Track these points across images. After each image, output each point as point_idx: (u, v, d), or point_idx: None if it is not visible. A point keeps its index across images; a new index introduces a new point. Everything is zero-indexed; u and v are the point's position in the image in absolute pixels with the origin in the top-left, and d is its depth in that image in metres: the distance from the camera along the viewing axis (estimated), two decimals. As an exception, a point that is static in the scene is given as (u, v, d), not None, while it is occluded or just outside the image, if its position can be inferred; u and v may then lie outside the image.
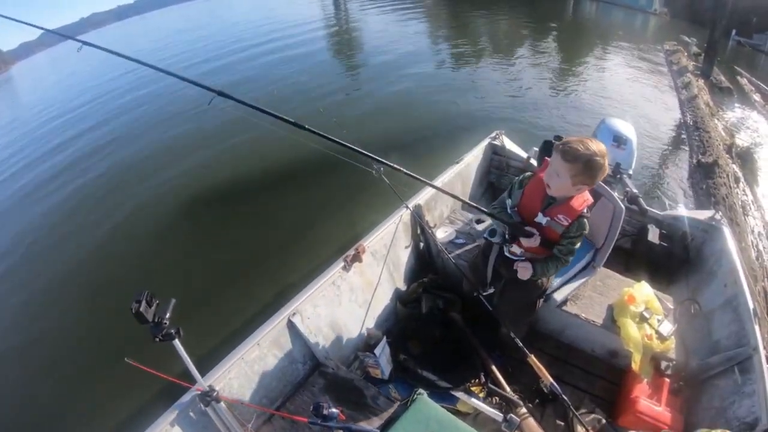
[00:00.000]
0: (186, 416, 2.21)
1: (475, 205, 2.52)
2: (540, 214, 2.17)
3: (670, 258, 3.60)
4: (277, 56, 14.87)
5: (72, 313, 5.41)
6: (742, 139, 6.92)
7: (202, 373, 2.18)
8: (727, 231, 3.33)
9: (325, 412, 2.24)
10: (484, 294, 2.71)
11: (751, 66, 10.26)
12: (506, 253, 2.45)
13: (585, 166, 1.91)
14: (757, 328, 2.60)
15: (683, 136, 7.13)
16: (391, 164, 2.35)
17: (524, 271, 2.30)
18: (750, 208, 5.24)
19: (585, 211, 2.11)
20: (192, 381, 2.06)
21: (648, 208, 3.61)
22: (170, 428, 2.14)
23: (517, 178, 2.37)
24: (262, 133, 8.02)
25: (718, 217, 3.45)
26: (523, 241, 2.22)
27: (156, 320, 1.74)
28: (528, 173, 2.34)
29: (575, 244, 2.19)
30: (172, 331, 1.79)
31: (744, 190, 5.55)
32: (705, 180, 5.60)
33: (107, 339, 4.59)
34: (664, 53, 11.07)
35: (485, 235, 2.42)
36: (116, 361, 1.93)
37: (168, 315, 1.78)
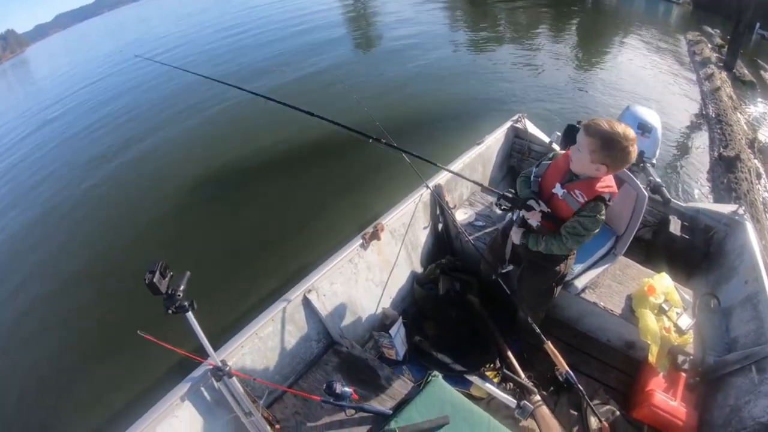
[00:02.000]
0: (197, 391, 2.18)
1: (490, 188, 2.51)
2: (558, 185, 2.12)
3: (690, 251, 3.52)
4: (298, 40, 14.62)
5: (87, 286, 5.45)
6: (764, 135, 6.75)
7: (215, 348, 2.14)
8: (750, 226, 3.25)
9: (338, 390, 2.21)
10: (503, 270, 2.67)
11: (775, 61, 9.99)
12: (515, 220, 2.41)
13: (604, 143, 1.87)
14: None
15: (704, 128, 6.97)
16: (410, 152, 2.43)
17: (516, 234, 2.33)
18: (772, 205, 5.13)
19: (606, 197, 2.04)
20: (204, 356, 2.02)
21: (671, 198, 3.55)
22: (180, 403, 2.12)
23: (548, 154, 2.33)
24: (283, 116, 8.01)
25: (741, 211, 3.37)
26: (526, 215, 2.20)
27: (169, 292, 1.70)
28: (560, 152, 2.28)
29: (585, 228, 2.07)
30: (186, 303, 1.74)
31: (766, 187, 5.43)
32: (726, 174, 5.48)
33: (121, 312, 4.64)
34: (686, 43, 10.81)
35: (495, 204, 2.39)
36: (129, 335, 1.89)
37: (182, 287, 1.74)
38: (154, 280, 1.62)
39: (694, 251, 3.52)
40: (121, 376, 3.92)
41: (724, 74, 8.55)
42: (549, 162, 2.26)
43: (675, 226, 3.53)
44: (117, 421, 2.19)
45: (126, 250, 5.76)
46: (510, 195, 2.26)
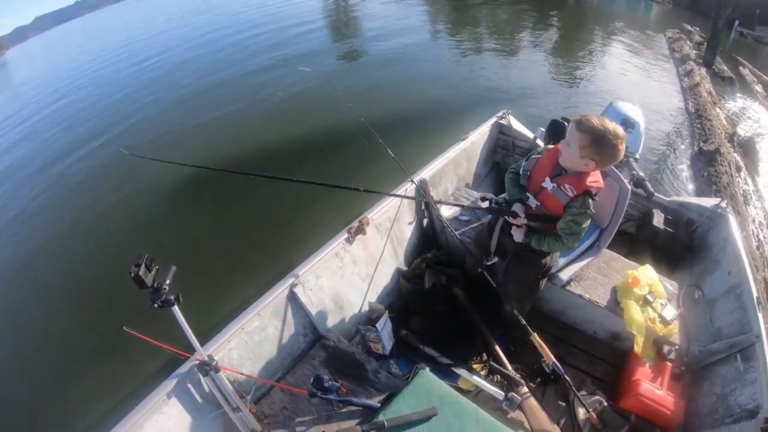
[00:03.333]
0: (184, 387, 2.15)
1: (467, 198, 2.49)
2: (548, 179, 2.15)
3: (674, 244, 3.58)
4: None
5: (71, 284, 5.35)
6: (743, 129, 6.87)
7: (202, 344, 2.10)
8: (732, 219, 3.31)
9: (325, 384, 2.20)
10: (488, 263, 2.68)
11: (753, 57, 10.18)
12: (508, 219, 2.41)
13: (594, 140, 1.90)
14: (760, 316, 2.59)
15: (685, 123, 7.09)
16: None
17: (517, 233, 2.33)
18: (751, 198, 5.22)
19: (594, 192, 2.08)
20: (191, 351, 2.00)
21: (654, 192, 3.59)
22: (167, 399, 2.08)
23: (537, 148, 2.37)
24: (266, 115, 7.94)
25: (723, 205, 3.44)
26: (511, 221, 2.27)
27: (155, 285, 1.67)
28: (549, 146, 2.30)
29: (579, 225, 2.12)
30: (172, 297, 1.72)
31: (745, 180, 5.53)
32: (706, 168, 5.58)
33: (106, 310, 4.55)
34: (666, 41, 10.99)
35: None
36: (115, 332, 1.86)
37: (168, 281, 1.71)
38: (140, 273, 1.59)
39: (677, 244, 3.57)
40: (107, 374, 3.85)
41: (703, 70, 8.70)
42: (538, 156, 2.29)
43: (658, 220, 3.58)
44: (103, 420, 2.15)
45: (111, 248, 5.67)
46: (494, 205, 2.32)
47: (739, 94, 8.21)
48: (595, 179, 2.08)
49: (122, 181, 7.34)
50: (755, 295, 2.73)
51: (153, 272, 1.67)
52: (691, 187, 5.54)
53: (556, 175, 2.14)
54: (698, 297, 3.11)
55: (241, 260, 4.93)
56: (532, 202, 2.23)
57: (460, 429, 2.09)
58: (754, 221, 4.83)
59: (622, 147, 1.94)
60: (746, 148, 6.27)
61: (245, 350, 2.43)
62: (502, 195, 2.41)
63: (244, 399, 2.13)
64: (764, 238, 4.61)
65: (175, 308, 1.75)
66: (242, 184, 6.28)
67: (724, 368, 2.61)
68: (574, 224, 2.12)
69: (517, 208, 2.24)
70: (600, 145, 1.91)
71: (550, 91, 8.40)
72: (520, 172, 2.33)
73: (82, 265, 5.62)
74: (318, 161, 6.51)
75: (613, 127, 1.90)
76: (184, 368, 2.15)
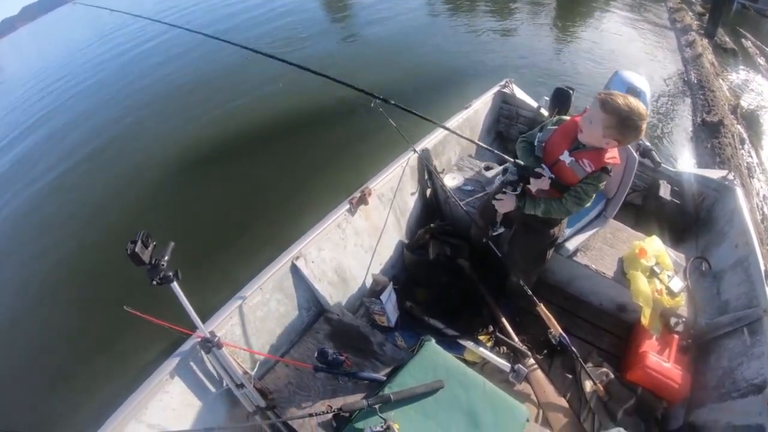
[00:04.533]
0: (186, 365, 2.10)
1: (485, 146, 2.45)
2: (566, 152, 2.11)
3: (680, 215, 3.53)
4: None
5: (67, 262, 5.27)
6: (747, 102, 6.76)
7: (203, 320, 2.04)
8: (739, 191, 3.26)
9: (330, 358, 2.15)
10: (494, 233, 2.61)
11: (755, 30, 9.99)
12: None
13: (619, 122, 1.88)
14: (767, 290, 2.55)
15: (687, 94, 6.96)
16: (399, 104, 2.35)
17: (506, 202, 2.26)
18: (755, 171, 5.15)
19: (610, 168, 2.06)
20: (192, 328, 1.93)
21: (661, 161, 3.53)
22: (170, 379, 2.04)
23: (552, 119, 2.31)
24: (266, 85, 7.73)
25: (731, 177, 3.38)
26: (532, 183, 2.17)
27: (153, 262, 1.62)
28: (565, 117, 2.25)
29: (588, 195, 2.11)
30: (170, 273, 1.67)
31: (749, 152, 5.44)
32: (710, 139, 5.49)
33: (106, 289, 4.46)
34: (667, 11, 10.75)
35: (503, 171, 2.34)
36: (116, 312, 1.81)
37: (166, 258, 1.66)
38: (136, 249, 1.55)
39: (683, 216, 3.53)
40: (110, 355, 3.81)
41: (705, 41, 8.52)
42: (554, 128, 2.22)
43: (665, 191, 3.52)
44: (107, 401, 2.10)
45: (108, 227, 5.58)
46: (520, 163, 2.21)
47: (741, 67, 8.04)
48: (613, 155, 2.06)
49: (116, 159, 7.21)
50: (763, 268, 2.68)
51: (150, 249, 1.63)
52: (693, 158, 5.45)
53: (574, 148, 2.09)
54: (705, 269, 3.07)
55: (241, 235, 4.84)
56: (547, 174, 2.17)
57: (467, 401, 2.05)
58: (758, 194, 4.77)
59: (644, 126, 1.92)
60: (750, 120, 6.17)
61: (248, 326, 2.37)
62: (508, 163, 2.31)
63: (247, 375, 2.08)
64: (769, 210, 4.56)
65: (175, 284, 1.70)
66: (242, 157, 6.17)
67: (731, 342, 2.58)
68: (582, 192, 2.10)
69: (540, 170, 2.16)
70: (625, 126, 1.89)
71: (551, 60, 8.21)
72: (535, 143, 2.26)
73: (78, 246, 5.52)
74: (321, 131, 6.39)
75: (637, 106, 1.87)
76: (186, 346, 2.10)
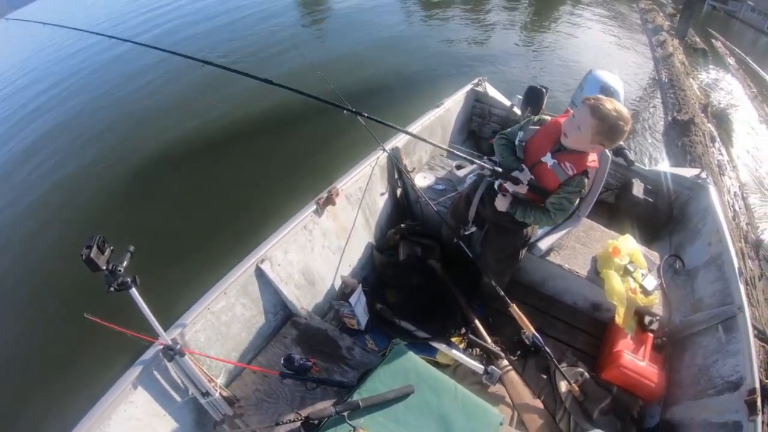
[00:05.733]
0: (149, 374, 1.99)
1: (460, 153, 2.43)
2: (549, 155, 2.07)
3: (653, 214, 3.54)
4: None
5: (23, 268, 5.04)
6: (717, 100, 6.91)
7: (166, 327, 1.98)
8: (712, 190, 3.29)
9: (297, 364, 2.08)
10: (465, 233, 2.60)
11: (725, 31, 10.26)
12: (495, 187, 2.31)
13: (610, 128, 1.87)
14: (741, 287, 2.57)
15: (657, 92, 7.08)
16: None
17: (501, 202, 2.23)
18: (726, 168, 5.23)
19: (590, 172, 2.06)
20: (155, 336, 1.85)
21: (634, 160, 3.54)
22: (133, 389, 1.93)
23: (532, 117, 2.28)
24: (230, 89, 7.54)
25: (704, 175, 3.41)
26: (509, 187, 2.15)
27: (110, 268, 1.57)
28: (545, 117, 2.23)
29: (571, 203, 2.10)
30: (128, 279, 1.62)
31: (720, 150, 5.54)
32: (681, 137, 5.56)
33: (65, 297, 4.27)
34: (639, 11, 10.96)
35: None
36: (77, 320, 1.75)
37: (125, 263, 1.62)
38: (92, 255, 1.50)
39: (657, 214, 3.54)
40: (71, 367, 3.64)
41: (676, 41, 8.69)
42: (536, 128, 2.19)
43: (638, 189, 3.54)
44: (68, 413, 2.01)
45: (64, 232, 5.33)
46: (499, 169, 2.16)
47: (711, 66, 8.23)
48: (593, 158, 2.05)
49: (72, 162, 6.89)
50: (737, 266, 2.71)
51: (107, 253, 1.59)
52: (665, 156, 5.53)
53: (555, 150, 2.07)
54: (678, 268, 3.09)
55: (205, 239, 4.68)
56: (525, 179, 2.14)
57: (438, 406, 2.00)
58: (729, 191, 4.85)
59: (629, 129, 1.93)
60: (720, 118, 6.30)
61: (212, 332, 2.27)
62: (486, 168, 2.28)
63: (213, 383, 2.00)
64: (739, 208, 4.63)
65: (133, 291, 1.66)
66: (204, 160, 5.97)
67: (705, 339, 2.59)
68: (566, 201, 2.08)
69: (520, 174, 2.13)
70: (613, 131, 1.88)
71: (524, 58, 8.28)
72: (516, 142, 2.22)
73: (31, 253, 5.27)
74: (286, 131, 6.26)
75: (624, 111, 1.87)
76: (148, 354, 2.00)
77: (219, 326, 2.30)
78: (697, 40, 9.15)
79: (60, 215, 5.71)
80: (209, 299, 2.25)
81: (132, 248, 1.68)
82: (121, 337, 1.73)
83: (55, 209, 5.87)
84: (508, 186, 2.15)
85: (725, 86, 7.54)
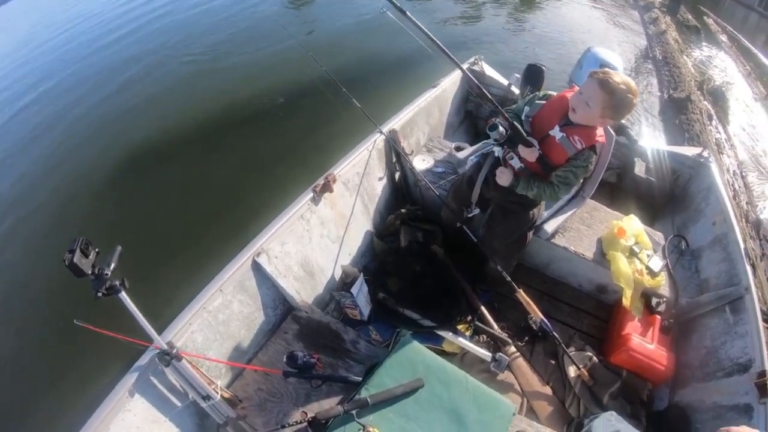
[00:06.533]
0: (146, 380, 1.88)
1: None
2: (557, 128, 2.01)
3: (655, 193, 3.52)
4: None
5: (5, 275, 4.71)
6: (712, 78, 6.84)
7: (161, 330, 1.87)
8: (714, 169, 3.26)
9: (300, 362, 1.99)
10: (468, 216, 2.51)
11: (715, 8, 10.16)
12: (501, 158, 2.25)
13: (619, 102, 1.84)
14: (748, 267, 2.55)
15: (652, 70, 6.98)
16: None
17: (504, 176, 2.15)
18: (724, 147, 5.18)
19: (598, 147, 2.02)
20: (150, 340, 1.73)
21: (637, 139, 3.48)
22: (130, 397, 1.81)
23: (537, 93, 2.22)
24: (220, 76, 7.30)
25: (705, 154, 3.37)
26: (521, 150, 2.07)
27: (96, 272, 1.47)
28: (551, 92, 2.17)
29: (577, 178, 2.06)
30: (117, 283, 1.52)
31: (717, 128, 5.48)
32: (678, 115, 5.50)
33: (53, 304, 4.00)
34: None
35: (488, 129, 2.16)
36: (67, 327, 1.62)
37: (113, 266, 1.52)
38: (75, 260, 1.40)
39: (659, 194, 3.52)
40: (63, 379, 3.44)
41: (668, 18, 8.59)
42: (542, 102, 2.13)
43: (640, 169, 3.49)
44: (62, 427, 1.88)
45: (47, 235, 4.98)
46: (509, 127, 2.05)
47: (704, 43, 8.15)
48: (601, 133, 2.01)
49: (54, 157, 6.42)
50: (743, 246, 2.68)
51: (92, 257, 1.49)
52: (663, 135, 5.45)
53: (563, 124, 2.02)
54: (683, 248, 3.04)
55: (197, 235, 4.46)
56: (536, 145, 2.07)
57: (449, 399, 1.93)
58: (728, 170, 4.79)
59: (636, 101, 1.92)
60: (715, 96, 6.23)
61: (210, 331, 2.15)
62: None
63: (213, 385, 1.89)
64: (739, 187, 4.57)
65: (123, 294, 1.56)
66: (190, 153, 5.67)
67: (713, 321, 2.56)
68: (572, 175, 2.04)
69: (530, 139, 2.06)
70: (623, 104, 1.86)
71: (515, 38, 8.09)
72: (522, 117, 2.15)
73: (12, 257, 4.90)
74: (281, 118, 6.02)
75: (632, 83, 1.85)
76: (144, 359, 1.88)
77: (216, 325, 2.18)
78: (690, 17, 9.04)
79: (40, 217, 5.35)
80: (205, 297, 2.13)
81: (120, 248, 1.58)
82: (114, 342, 1.62)
83: (34, 210, 5.48)
84: (521, 150, 2.07)
85: (719, 63, 7.47)
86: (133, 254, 1.63)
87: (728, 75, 7.10)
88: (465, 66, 3.99)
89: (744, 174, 4.87)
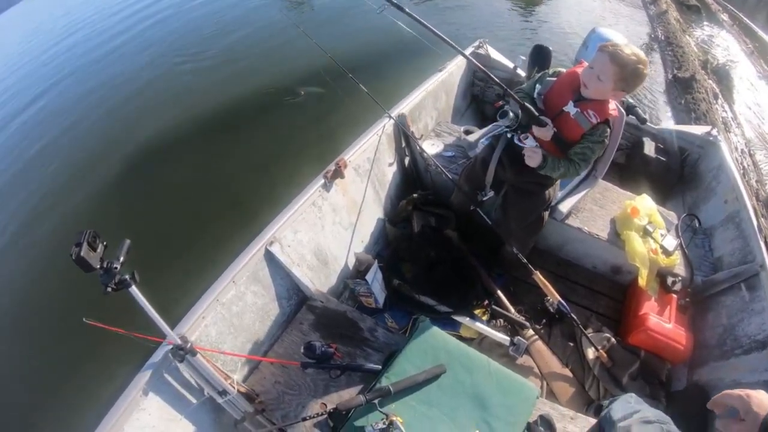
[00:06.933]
0: (160, 378, 1.83)
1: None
2: (571, 103, 1.99)
3: (665, 173, 3.46)
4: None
5: (12, 273, 4.65)
6: (716, 56, 6.76)
7: (173, 324, 1.82)
8: (724, 147, 3.23)
9: (318, 352, 1.94)
10: (484, 198, 2.50)
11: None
12: (516, 141, 2.19)
13: (631, 73, 1.83)
14: (762, 245, 2.53)
15: (656, 50, 6.90)
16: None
17: (534, 156, 2.06)
18: (731, 125, 5.12)
19: (611, 121, 2.01)
20: (162, 335, 1.68)
21: (646, 118, 3.42)
22: (144, 395, 1.77)
23: (547, 71, 2.18)
24: (225, 71, 7.19)
25: (714, 132, 3.34)
26: (535, 130, 2.03)
27: (105, 266, 1.40)
28: (560, 69, 2.14)
29: (594, 153, 2.05)
30: (126, 276, 1.45)
31: (723, 107, 5.41)
32: (683, 95, 5.43)
33: (63, 301, 3.90)
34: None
35: (498, 116, 2.16)
36: (75, 325, 1.57)
37: (122, 259, 1.45)
38: (82, 254, 1.32)
39: (669, 173, 3.47)
40: (76, 380, 3.37)
41: (668, -2, 8.49)
42: (553, 79, 2.10)
43: (649, 148, 3.45)
44: (76, 428, 1.82)
45: (57, 228, 4.93)
46: (521, 108, 2.02)
47: (706, 23, 8.04)
48: (614, 107, 2.01)
49: (62, 150, 6.42)
50: (756, 223, 2.66)
51: (99, 250, 1.41)
52: (669, 114, 5.39)
53: (577, 99, 1.99)
54: (696, 226, 3.01)
55: (208, 225, 4.39)
56: (550, 128, 2.04)
57: (472, 385, 1.89)
58: (736, 149, 4.74)
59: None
60: (720, 75, 6.15)
61: (224, 324, 2.10)
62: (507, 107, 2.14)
63: (229, 380, 1.84)
64: (747, 165, 4.53)
65: (133, 288, 1.49)
66: (204, 143, 5.60)
67: (728, 299, 2.55)
68: (589, 151, 2.04)
69: (543, 118, 2.03)
70: (634, 76, 1.85)
71: (515, 22, 7.98)
72: (535, 95, 2.12)
73: (20, 255, 4.87)
74: (286, 107, 5.94)
75: (642, 55, 1.85)
76: (157, 356, 1.83)
77: (230, 318, 2.13)
78: (690, -5, 8.95)
79: (47, 211, 5.31)
80: (217, 290, 2.08)
81: (128, 242, 1.51)
82: (126, 340, 1.57)
83: (40, 205, 5.46)
84: (535, 131, 2.03)
85: (721, 42, 7.35)
86: (142, 248, 1.56)
87: (731, 54, 7.00)
88: (470, 50, 3.95)
89: (752, 152, 4.82)
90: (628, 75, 1.82)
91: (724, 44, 7.33)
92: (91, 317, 1.51)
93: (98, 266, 1.38)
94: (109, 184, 5.40)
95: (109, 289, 1.42)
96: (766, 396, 0.92)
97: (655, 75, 6.24)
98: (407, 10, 2.16)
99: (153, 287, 1.59)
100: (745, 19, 8.27)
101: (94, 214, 4.99)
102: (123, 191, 5.29)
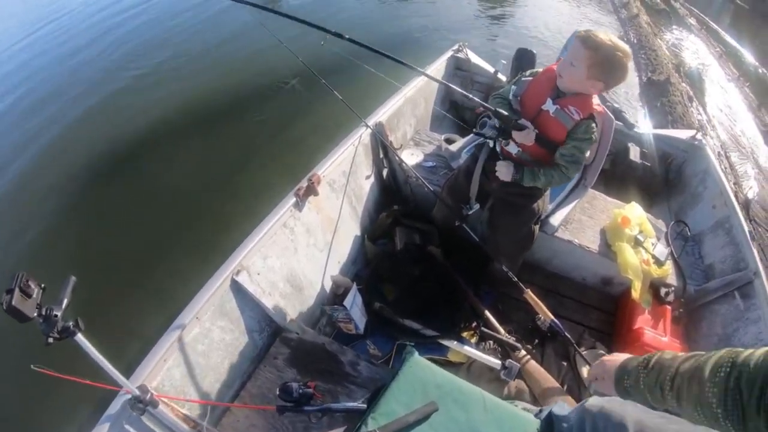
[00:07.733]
0: (120, 430, 1.58)
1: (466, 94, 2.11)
2: (549, 101, 1.89)
3: (651, 179, 3.42)
4: None
5: None
6: (688, 60, 6.86)
7: (132, 368, 1.61)
8: (710, 151, 3.20)
9: (296, 394, 1.71)
10: (469, 212, 2.33)
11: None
12: (498, 150, 2.09)
13: (605, 58, 1.71)
14: (755, 251, 2.47)
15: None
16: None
17: (504, 170, 2.01)
18: (706, 128, 5.13)
19: (596, 117, 1.86)
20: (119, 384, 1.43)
21: (634, 123, 3.36)
22: None
23: (524, 73, 2.06)
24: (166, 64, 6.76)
25: (699, 137, 3.30)
26: (516, 135, 1.93)
27: (44, 313, 1.19)
28: (538, 69, 2.03)
29: (582, 152, 1.91)
30: (70, 324, 1.24)
31: (698, 110, 5.43)
32: (659, 98, 5.45)
33: (8, 347, 3.21)
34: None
35: (475, 130, 2.07)
36: (25, 372, 1.31)
37: (65, 302, 1.25)
38: (13, 302, 1.12)
39: (654, 179, 3.42)
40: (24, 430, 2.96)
41: (638, 2, 8.61)
42: (529, 79, 1.98)
43: (635, 154, 3.39)
44: None
45: None
46: (494, 115, 1.89)
47: (675, 27, 8.16)
48: (598, 102, 1.89)
49: None
50: (747, 229, 2.60)
51: (36, 295, 1.20)
52: (646, 118, 5.37)
53: (555, 96, 1.89)
54: (686, 234, 2.94)
55: (164, 255, 3.87)
56: (530, 126, 1.92)
57: (467, 421, 1.70)
58: (713, 151, 4.74)
59: (630, 64, 1.79)
60: (692, 78, 6.25)
61: (188, 366, 1.86)
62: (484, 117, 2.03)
63: (199, 426, 1.62)
64: (724, 168, 4.51)
65: (79, 337, 1.27)
66: (151, 161, 4.93)
67: (723, 307, 2.47)
68: (577, 150, 1.90)
69: (523, 121, 1.91)
70: (610, 63, 1.72)
71: (482, 27, 7.89)
72: (510, 97, 2.01)
73: None
74: (253, 113, 5.44)
75: (621, 43, 1.73)
76: (114, 408, 1.58)
77: (196, 358, 1.89)
78: (658, 0, 9.09)
79: None
80: (179, 328, 1.83)
81: (73, 279, 1.30)
82: (82, 386, 1.34)
83: None
84: (515, 136, 1.91)
85: (690, 46, 7.49)
86: (91, 284, 1.33)
87: (700, 57, 7.15)
88: (449, 53, 3.82)
89: (728, 155, 4.83)
90: (603, 59, 1.70)
91: (693, 48, 7.48)
92: (42, 362, 1.28)
93: (35, 314, 1.17)
94: (51, 212, 4.59)
95: (51, 340, 1.21)
96: (616, 356, 1.21)
97: (630, 78, 6.23)
98: (348, 37, 2.12)
99: (105, 329, 1.36)
100: (711, 23, 8.44)
101: (35, 247, 4.04)
102: (68, 217, 4.54)
